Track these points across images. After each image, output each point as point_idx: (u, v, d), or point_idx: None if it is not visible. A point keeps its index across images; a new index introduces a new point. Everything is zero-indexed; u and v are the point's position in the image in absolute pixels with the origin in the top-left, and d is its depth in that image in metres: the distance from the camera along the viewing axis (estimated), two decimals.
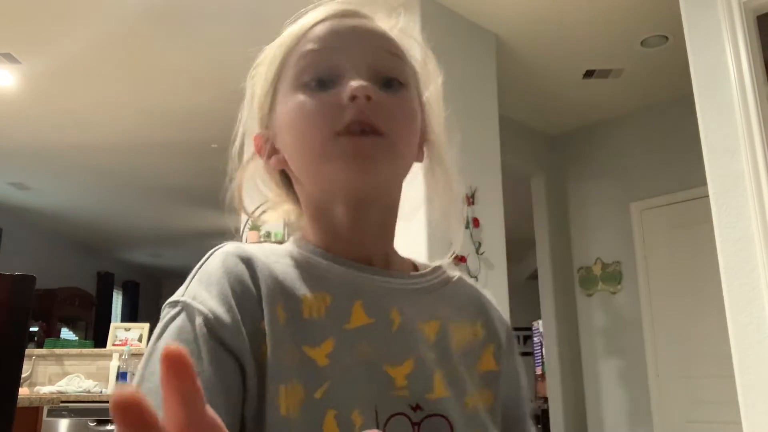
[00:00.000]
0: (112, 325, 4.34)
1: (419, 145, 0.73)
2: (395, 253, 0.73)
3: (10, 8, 3.58)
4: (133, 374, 3.94)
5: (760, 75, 2.49)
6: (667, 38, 3.90)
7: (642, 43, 3.95)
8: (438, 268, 0.74)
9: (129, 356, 3.91)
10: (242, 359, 0.55)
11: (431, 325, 0.66)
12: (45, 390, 3.72)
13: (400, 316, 0.64)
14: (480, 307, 0.73)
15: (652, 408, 4.33)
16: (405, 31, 0.74)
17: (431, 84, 0.75)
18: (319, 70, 0.64)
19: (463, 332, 0.68)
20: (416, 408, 0.59)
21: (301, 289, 0.62)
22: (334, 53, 0.64)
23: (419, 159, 0.74)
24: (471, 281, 0.77)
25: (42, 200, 7.16)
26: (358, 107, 0.60)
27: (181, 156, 5.83)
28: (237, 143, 0.72)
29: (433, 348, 0.64)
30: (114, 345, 4.16)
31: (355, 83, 0.60)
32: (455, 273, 0.74)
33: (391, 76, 0.65)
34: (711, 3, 2.62)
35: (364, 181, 0.62)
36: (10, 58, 4.09)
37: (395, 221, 0.73)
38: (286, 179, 0.72)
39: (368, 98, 0.60)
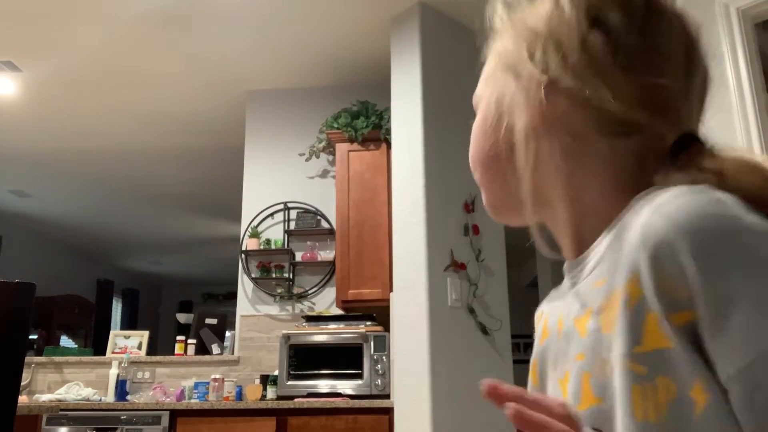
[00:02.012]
0: (112, 332, 4.33)
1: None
2: (584, 235, 0.57)
3: (11, 17, 3.59)
4: (133, 382, 3.93)
5: (759, 82, 2.50)
6: None
7: None
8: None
9: (128, 364, 3.90)
10: None
11: (583, 319, 0.54)
12: (44, 398, 3.71)
13: (564, 319, 0.56)
14: (627, 258, 0.48)
15: None
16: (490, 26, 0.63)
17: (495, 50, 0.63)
18: None
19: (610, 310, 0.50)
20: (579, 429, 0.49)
21: None
22: None
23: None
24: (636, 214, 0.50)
25: (42, 207, 7.16)
26: None
27: (181, 163, 5.84)
28: None
29: (585, 346, 0.53)
30: (113, 353, 4.15)
31: None
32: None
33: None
34: (709, 10, 2.63)
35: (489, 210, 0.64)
36: (10, 65, 4.10)
37: (565, 206, 0.57)
38: None
39: None
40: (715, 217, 0.45)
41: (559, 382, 0.57)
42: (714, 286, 0.43)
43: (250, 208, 4.36)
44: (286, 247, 4.22)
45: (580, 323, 0.54)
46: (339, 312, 3.85)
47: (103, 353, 4.21)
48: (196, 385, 3.71)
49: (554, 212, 0.59)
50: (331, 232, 4.16)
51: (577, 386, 0.53)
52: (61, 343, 7.73)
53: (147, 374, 4.01)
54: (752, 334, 0.41)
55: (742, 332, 0.42)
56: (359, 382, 3.47)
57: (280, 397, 3.53)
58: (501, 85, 0.60)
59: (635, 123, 0.53)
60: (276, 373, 3.64)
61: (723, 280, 0.43)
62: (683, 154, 0.53)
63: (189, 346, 4.12)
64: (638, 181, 0.53)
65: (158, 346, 9.48)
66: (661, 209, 0.46)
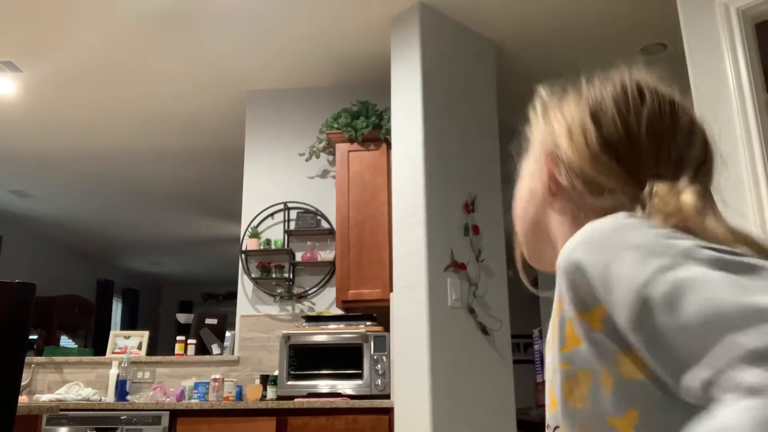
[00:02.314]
0: (112, 332, 4.33)
1: (549, 191, 0.76)
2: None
3: (11, 17, 3.59)
4: (133, 382, 3.93)
5: (759, 82, 2.50)
6: (665, 46, 3.91)
7: (641, 51, 3.96)
8: None
9: (128, 364, 3.90)
10: None
11: (552, 323, 0.65)
12: (44, 398, 3.71)
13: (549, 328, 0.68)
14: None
15: None
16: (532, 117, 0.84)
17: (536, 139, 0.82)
18: None
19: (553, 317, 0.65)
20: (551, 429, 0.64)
21: None
22: None
23: (555, 196, 0.76)
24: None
25: (42, 208, 7.16)
26: None
27: (181, 163, 5.84)
28: None
29: (548, 359, 0.65)
30: (113, 353, 4.15)
31: None
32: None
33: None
34: (709, 11, 2.63)
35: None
36: (11, 66, 4.10)
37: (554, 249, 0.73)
38: None
39: None
40: (601, 229, 0.60)
41: None
42: (603, 276, 0.56)
43: (250, 208, 4.36)
44: (286, 247, 4.22)
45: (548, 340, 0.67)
46: (339, 312, 3.85)
47: (103, 353, 4.21)
48: (196, 385, 3.71)
49: None
50: (331, 232, 4.17)
51: (547, 394, 0.66)
52: (61, 343, 7.73)
53: (147, 374, 4.01)
54: (625, 283, 0.54)
55: (621, 291, 0.54)
56: (359, 382, 3.47)
57: (280, 397, 3.53)
58: (529, 167, 0.79)
59: (616, 190, 0.68)
60: (276, 373, 3.64)
61: (606, 269, 0.55)
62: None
63: (189, 346, 4.12)
64: None
65: (158, 346, 9.48)
66: (573, 237, 0.61)
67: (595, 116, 0.72)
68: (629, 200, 0.66)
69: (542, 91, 0.84)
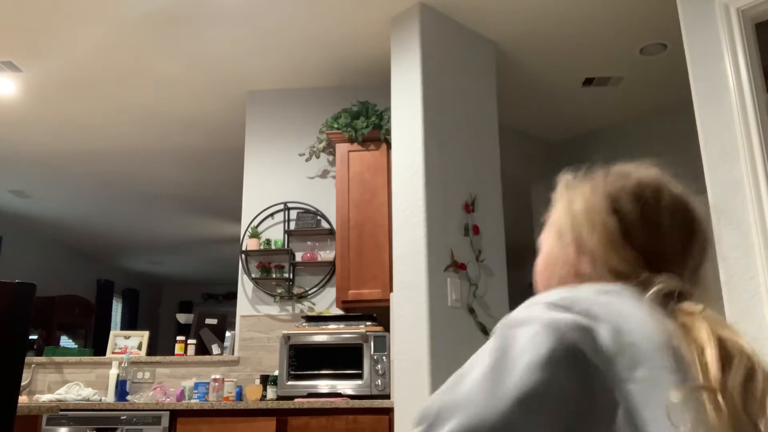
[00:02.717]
0: (112, 333, 4.33)
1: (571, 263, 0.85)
2: None
3: (11, 17, 3.59)
4: (133, 382, 3.93)
5: (759, 82, 2.50)
6: (666, 46, 3.91)
7: (641, 51, 3.96)
8: None
9: (128, 364, 3.90)
10: None
11: None
12: (44, 398, 3.71)
13: None
14: None
15: None
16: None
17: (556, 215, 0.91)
18: None
19: None
20: None
21: None
22: None
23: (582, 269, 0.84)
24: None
25: (42, 208, 7.16)
26: None
27: (181, 163, 5.84)
28: None
29: None
30: (113, 353, 4.15)
31: None
32: None
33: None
34: (709, 11, 2.63)
35: None
36: (11, 66, 4.10)
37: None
38: None
39: None
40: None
41: None
42: None
43: (250, 208, 4.36)
44: (286, 247, 4.22)
45: None
46: (339, 312, 3.85)
47: (103, 353, 4.21)
48: (196, 386, 3.71)
49: None
50: (331, 232, 4.16)
51: None
52: (61, 344, 7.73)
53: (147, 374, 4.01)
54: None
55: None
56: (359, 382, 3.47)
57: (280, 398, 3.53)
58: (550, 244, 0.88)
59: (633, 274, 0.76)
60: (276, 373, 3.64)
61: None
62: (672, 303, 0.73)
63: (189, 347, 4.12)
64: None
65: (158, 347, 9.48)
66: None
67: (616, 210, 0.81)
68: (642, 286, 0.74)
69: (565, 177, 0.92)
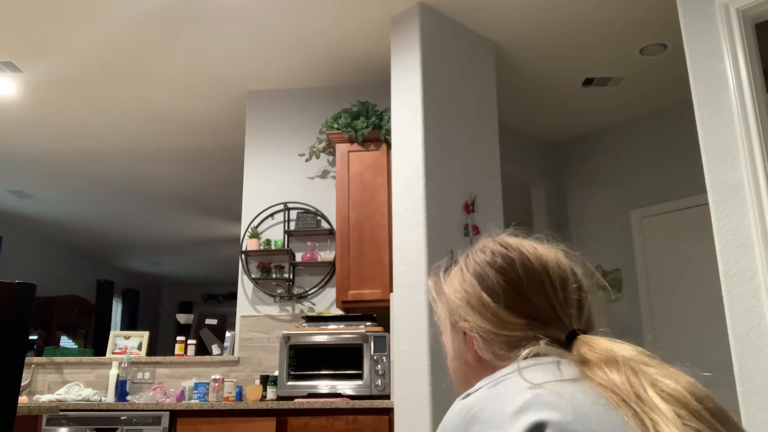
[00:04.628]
0: (112, 333, 4.33)
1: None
2: None
3: (11, 17, 3.59)
4: (133, 383, 3.94)
5: (759, 82, 2.50)
6: (666, 46, 3.91)
7: (641, 51, 3.96)
8: None
9: (128, 364, 3.90)
10: None
11: None
12: (44, 398, 3.71)
13: None
14: None
15: None
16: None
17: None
18: None
19: None
20: None
21: None
22: None
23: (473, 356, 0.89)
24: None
25: (42, 208, 7.16)
26: None
27: (181, 163, 5.84)
28: None
29: None
30: (113, 353, 4.15)
31: None
32: None
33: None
34: (709, 11, 2.63)
35: None
36: (11, 66, 4.10)
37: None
38: None
39: None
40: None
41: None
42: None
43: (250, 209, 4.36)
44: (286, 247, 4.22)
45: None
46: (339, 312, 3.85)
47: (103, 354, 4.21)
48: (196, 386, 3.71)
49: None
50: (331, 232, 4.17)
51: None
52: (61, 344, 7.73)
53: (147, 375, 4.01)
54: None
55: None
56: (359, 382, 3.47)
57: (280, 398, 3.53)
58: (449, 339, 0.92)
59: (531, 339, 0.80)
60: (276, 373, 3.64)
61: None
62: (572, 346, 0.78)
63: (189, 347, 4.12)
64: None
65: (158, 347, 9.50)
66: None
67: (483, 285, 0.86)
68: (545, 344, 0.79)
69: (432, 279, 0.97)
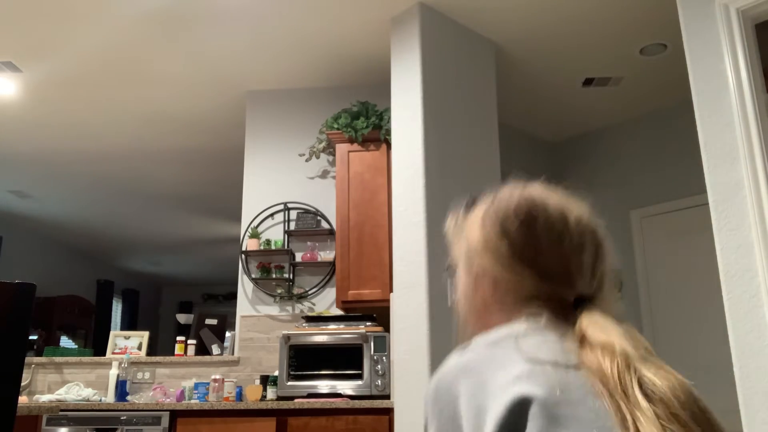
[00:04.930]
0: (112, 333, 4.33)
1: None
2: None
3: (11, 17, 3.59)
4: (133, 383, 3.93)
5: (759, 82, 2.50)
6: (666, 46, 3.91)
7: (641, 51, 3.96)
8: None
9: (128, 364, 3.90)
10: None
11: None
12: (44, 398, 3.71)
13: None
14: None
15: None
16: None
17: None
18: None
19: None
20: None
21: None
22: None
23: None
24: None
25: (42, 208, 7.16)
26: None
27: (181, 163, 5.84)
28: None
29: None
30: (113, 353, 4.15)
31: None
32: None
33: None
34: (709, 11, 2.63)
35: None
36: (11, 66, 4.10)
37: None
38: None
39: None
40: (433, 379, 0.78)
41: None
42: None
43: (250, 209, 4.36)
44: (286, 247, 4.22)
45: None
46: (339, 312, 3.85)
47: (103, 354, 4.21)
48: (196, 386, 3.70)
49: None
50: (331, 232, 4.17)
51: None
52: (61, 344, 7.73)
53: (147, 375, 4.01)
54: None
55: None
56: (359, 382, 3.47)
57: (280, 398, 3.53)
58: (460, 280, 0.92)
59: (541, 294, 0.82)
60: (276, 373, 3.64)
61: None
62: (577, 310, 0.79)
63: (189, 347, 4.12)
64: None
65: (158, 347, 9.49)
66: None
67: (504, 233, 0.86)
68: (559, 304, 0.80)
69: (452, 216, 0.98)
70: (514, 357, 0.72)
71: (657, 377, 0.71)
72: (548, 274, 0.83)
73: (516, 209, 0.87)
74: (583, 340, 0.75)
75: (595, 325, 0.76)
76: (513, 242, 0.85)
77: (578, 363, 0.72)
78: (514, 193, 0.90)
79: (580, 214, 0.88)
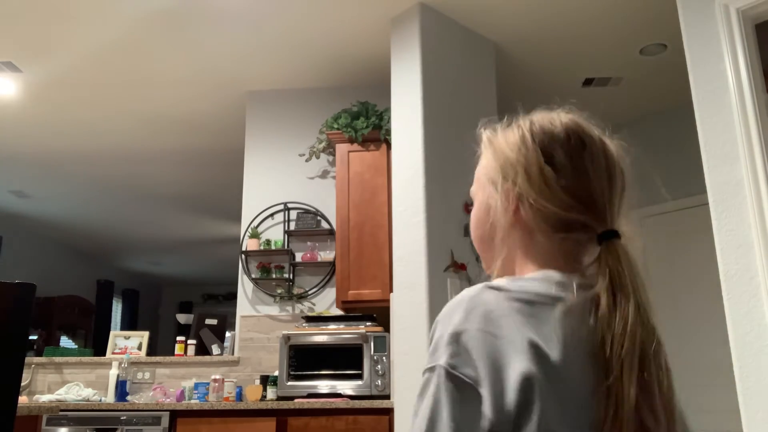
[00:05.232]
0: (112, 333, 4.33)
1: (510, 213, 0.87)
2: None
3: (11, 17, 3.59)
4: (133, 383, 3.93)
5: (759, 83, 2.50)
6: (666, 46, 3.91)
7: (641, 51, 3.96)
8: None
9: (128, 364, 3.90)
10: None
11: None
12: (44, 398, 3.71)
13: None
14: None
15: None
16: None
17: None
18: None
19: None
20: None
21: None
22: None
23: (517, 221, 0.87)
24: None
25: (42, 208, 7.16)
26: None
27: (181, 163, 5.84)
28: None
29: None
30: (113, 353, 4.15)
31: None
32: None
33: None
34: (709, 11, 2.63)
35: None
36: (11, 66, 4.10)
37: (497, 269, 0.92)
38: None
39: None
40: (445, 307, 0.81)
41: None
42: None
43: (250, 209, 4.36)
44: (286, 247, 4.22)
45: None
46: (339, 312, 3.85)
47: (103, 354, 4.21)
48: (196, 386, 3.70)
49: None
50: (331, 232, 4.16)
51: None
52: (61, 344, 7.73)
53: (147, 375, 4.01)
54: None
55: None
56: (359, 382, 3.47)
57: (280, 398, 3.53)
58: (486, 193, 0.90)
59: (573, 222, 0.82)
60: (276, 373, 3.64)
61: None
62: (603, 244, 0.81)
63: (189, 347, 4.12)
64: (574, 261, 0.83)
65: (158, 347, 9.49)
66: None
67: (550, 159, 0.84)
68: (587, 235, 0.82)
69: (487, 131, 0.93)
70: (532, 322, 0.73)
71: (651, 382, 0.73)
72: (586, 204, 0.82)
73: (563, 137, 0.87)
74: (607, 291, 0.76)
75: (621, 269, 0.79)
76: (557, 169, 0.83)
77: (595, 319, 0.74)
78: (558, 118, 0.90)
79: (617, 150, 0.91)
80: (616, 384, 0.70)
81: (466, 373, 0.71)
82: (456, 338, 0.74)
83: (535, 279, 0.80)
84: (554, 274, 0.80)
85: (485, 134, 0.93)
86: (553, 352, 0.70)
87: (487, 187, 0.90)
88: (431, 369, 0.77)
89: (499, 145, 0.89)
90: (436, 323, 0.80)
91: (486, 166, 0.91)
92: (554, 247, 0.83)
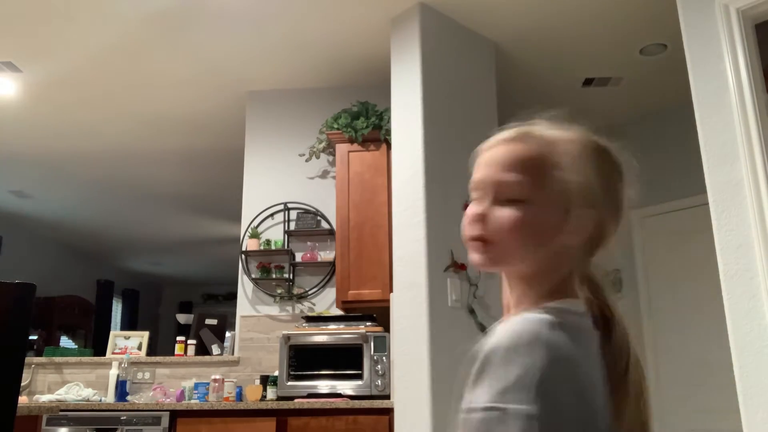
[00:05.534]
0: (112, 333, 4.33)
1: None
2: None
3: (11, 17, 3.59)
4: (133, 383, 3.93)
5: (759, 82, 2.50)
6: (666, 46, 3.91)
7: (641, 52, 3.96)
8: None
9: (128, 364, 3.90)
10: None
11: None
12: (44, 398, 3.71)
13: None
14: None
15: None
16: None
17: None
18: None
19: None
20: None
21: None
22: None
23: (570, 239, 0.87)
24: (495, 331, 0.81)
25: (42, 208, 7.16)
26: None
27: (181, 164, 5.84)
28: None
29: None
30: (113, 353, 4.15)
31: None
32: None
33: (508, 197, 0.87)
34: (709, 11, 2.63)
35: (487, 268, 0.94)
36: (11, 66, 4.10)
37: (528, 289, 0.88)
38: None
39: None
40: (496, 343, 0.75)
41: None
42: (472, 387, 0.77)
43: (250, 209, 4.36)
44: (286, 247, 4.22)
45: None
46: (339, 312, 3.85)
47: (103, 354, 4.21)
48: (196, 386, 3.71)
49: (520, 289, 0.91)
50: (331, 232, 4.16)
51: None
52: (61, 344, 7.73)
53: (147, 375, 4.01)
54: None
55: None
56: (359, 382, 3.47)
57: (280, 398, 3.53)
58: (543, 206, 0.86)
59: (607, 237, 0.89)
60: (276, 373, 3.64)
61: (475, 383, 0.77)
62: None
63: (189, 347, 4.12)
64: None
65: (158, 347, 9.48)
66: (496, 331, 0.77)
67: (607, 189, 0.89)
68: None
69: (537, 150, 0.92)
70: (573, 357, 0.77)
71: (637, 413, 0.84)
72: (617, 219, 0.89)
73: (597, 150, 0.93)
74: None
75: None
76: (602, 184, 0.88)
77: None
78: (576, 134, 0.94)
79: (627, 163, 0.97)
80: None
81: None
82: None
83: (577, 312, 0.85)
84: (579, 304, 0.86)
85: (572, 144, 0.92)
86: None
87: (543, 201, 0.86)
88: None
89: (558, 171, 0.87)
90: None
91: (550, 184, 0.87)
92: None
